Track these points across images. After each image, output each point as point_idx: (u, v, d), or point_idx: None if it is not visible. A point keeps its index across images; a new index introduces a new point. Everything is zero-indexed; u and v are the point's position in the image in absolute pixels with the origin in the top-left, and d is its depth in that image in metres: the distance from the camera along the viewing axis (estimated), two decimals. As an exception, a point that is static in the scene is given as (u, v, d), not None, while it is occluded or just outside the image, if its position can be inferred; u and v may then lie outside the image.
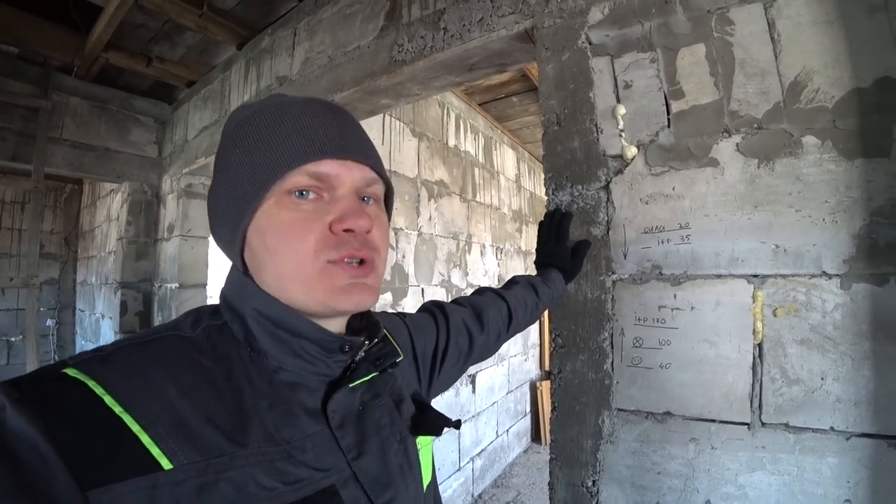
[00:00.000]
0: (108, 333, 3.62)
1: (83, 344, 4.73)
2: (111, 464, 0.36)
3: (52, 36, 2.70)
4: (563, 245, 1.20)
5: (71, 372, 0.39)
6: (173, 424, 0.40)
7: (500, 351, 4.48)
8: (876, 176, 0.96)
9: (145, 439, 0.38)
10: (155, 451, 0.38)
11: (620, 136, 1.18)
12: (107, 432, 0.37)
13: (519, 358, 4.99)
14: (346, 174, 0.52)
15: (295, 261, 0.49)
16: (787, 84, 1.03)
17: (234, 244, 0.52)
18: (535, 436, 5.30)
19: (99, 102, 3.18)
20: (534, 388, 5.31)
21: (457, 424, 0.64)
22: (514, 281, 1.13)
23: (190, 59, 2.95)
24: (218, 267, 3.16)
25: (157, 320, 3.20)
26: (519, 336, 5.00)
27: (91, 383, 0.39)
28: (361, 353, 0.56)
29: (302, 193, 0.50)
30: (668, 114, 1.13)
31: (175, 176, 3.16)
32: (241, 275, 0.53)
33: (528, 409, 5.25)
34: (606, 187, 1.20)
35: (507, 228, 4.81)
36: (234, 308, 0.53)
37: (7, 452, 0.33)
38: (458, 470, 3.67)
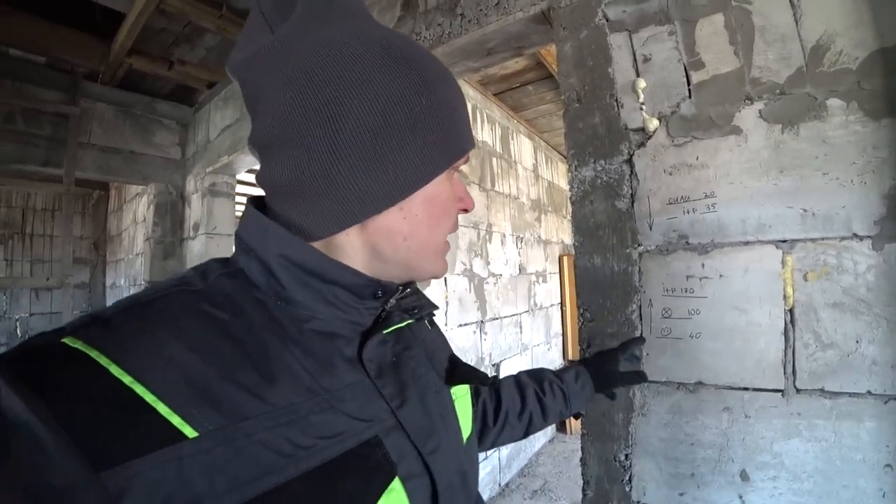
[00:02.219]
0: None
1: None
2: (128, 440, 0.32)
3: (77, 43, 2.80)
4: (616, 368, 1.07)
5: (69, 341, 0.35)
6: (192, 389, 0.36)
7: (523, 340, 4.51)
8: (905, 135, 0.96)
9: (162, 409, 0.34)
10: (175, 420, 0.34)
11: (641, 109, 1.19)
12: (118, 406, 0.33)
13: (542, 347, 4.99)
14: None
15: (439, 234, 0.52)
16: (808, 48, 1.03)
17: (380, 198, 0.46)
18: (561, 426, 5.30)
19: (124, 107, 3.30)
20: None
21: (493, 381, 0.65)
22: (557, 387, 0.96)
23: (210, 60, 3.03)
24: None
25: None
26: (541, 325, 4.99)
27: (94, 353, 0.34)
28: (393, 301, 0.53)
29: (454, 171, 0.53)
30: (689, 85, 1.14)
31: (199, 175, 3.25)
32: (260, 216, 0.48)
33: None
34: (629, 160, 1.21)
35: (527, 218, 4.81)
36: (255, 252, 0.47)
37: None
38: (485, 459, 3.70)
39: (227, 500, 0.35)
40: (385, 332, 0.52)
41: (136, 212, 4.33)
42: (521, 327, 4.43)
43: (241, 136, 2.79)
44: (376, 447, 0.45)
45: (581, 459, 1.24)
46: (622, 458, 1.19)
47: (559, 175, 5.85)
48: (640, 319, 1.18)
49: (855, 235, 0.98)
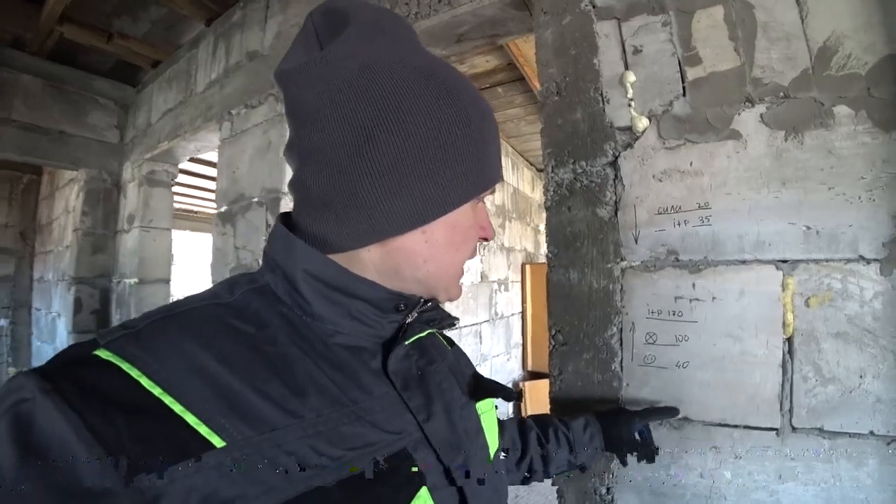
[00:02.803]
0: (63, 334, 3.37)
1: (38, 345, 4.42)
2: (157, 450, 0.33)
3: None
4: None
5: (103, 354, 0.36)
6: (220, 400, 0.37)
7: (482, 350, 4.36)
8: (917, 149, 0.86)
9: (191, 419, 0.35)
10: (204, 430, 0.35)
11: (629, 105, 1.06)
12: (149, 418, 0.34)
13: (501, 358, 4.87)
14: None
15: (458, 260, 0.53)
16: (815, 49, 0.93)
17: (403, 220, 0.47)
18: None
19: (54, 82, 2.95)
20: (517, 389, 5.21)
21: (517, 396, 0.64)
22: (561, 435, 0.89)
23: (155, 36, 2.75)
24: (183, 263, 2.95)
25: (115, 319, 2.97)
26: (502, 335, 4.87)
27: (125, 366, 0.36)
28: (414, 314, 0.54)
29: (478, 201, 0.54)
30: (684, 81, 1.02)
31: (137, 163, 2.95)
32: (287, 233, 0.49)
33: (511, 412, 5.15)
34: (614, 163, 1.07)
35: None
36: (281, 269, 0.48)
37: (35, 452, 0.31)
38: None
39: None
40: (407, 342, 0.52)
41: (69, 199, 3.92)
42: (480, 337, 4.29)
43: (182, 122, 2.51)
44: (406, 459, 0.45)
45: (558, 491, 1.09)
46: (603, 491, 1.04)
47: (525, 181, 5.77)
48: (621, 345, 1.05)
49: (861, 258, 0.88)
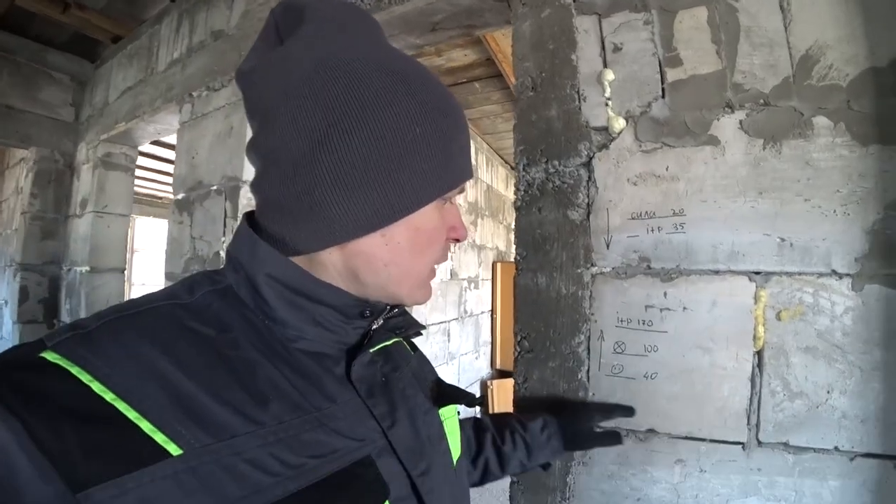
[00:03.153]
0: (8, 324, 3.15)
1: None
2: (108, 459, 0.31)
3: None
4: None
5: (50, 356, 0.34)
6: (177, 406, 0.35)
7: (450, 349, 4.32)
8: (892, 165, 0.84)
9: (146, 426, 0.33)
10: (159, 438, 0.33)
11: (607, 105, 1.01)
12: (99, 424, 0.32)
13: (470, 356, 4.83)
14: None
15: (423, 263, 0.50)
16: (797, 57, 0.90)
17: (361, 222, 0.45)
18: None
19: (3, 52, 2.73)
20: (484, 387, 5.16)
21: (480, 401, 0.60)
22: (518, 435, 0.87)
23: (115, 9, 2.57)
24: (143, 251, 2.79)
25: (65, 308, 2.79)
26: (470, 333, 4.83)
27: (74, 369, 0.33)
28: (380, 321, 0.53)
29: (445, 202, 0.51)
30: (663, 83, 0.98)
31: (92, 143, 2.76)
32: (251, 234, 0.47)
33: (479, 410, 5.13)
34: (588, 164, 1.03)
35: (462, 221, 4.64)
36: (245, 271, 0.46)
37: None
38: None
39: None
40: (372, 350, 0.51)
41: (19, 180, 3.68)
42: (448, 335, 4.23)
43: (142, 101, 2.36)
44: (369, 467, 0.45)
45: (511, 507, 1.05)
46: (559, 510, 1.00)
47: (499, 179, 5.74)
48: (588, 354, 1.00)
49: (834, 272, 0.86)
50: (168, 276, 2.01)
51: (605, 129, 1.02)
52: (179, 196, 2.00)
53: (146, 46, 2.44)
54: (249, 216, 0.51)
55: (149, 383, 0.35)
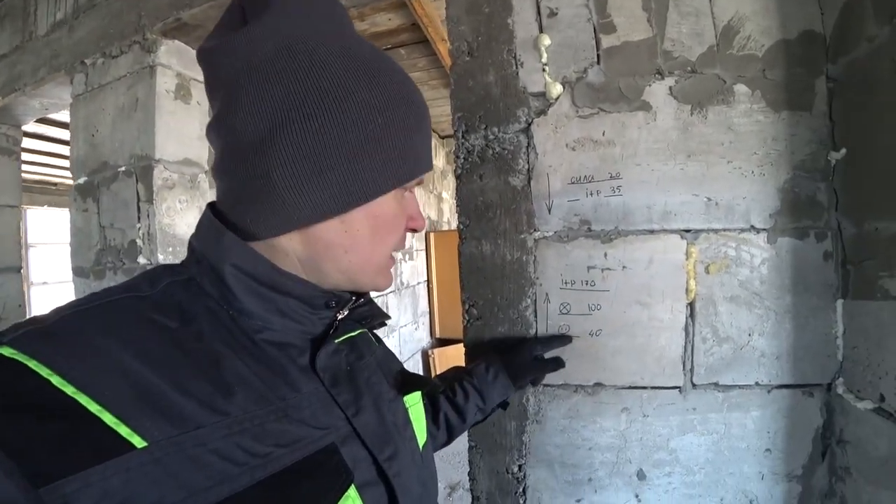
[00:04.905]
0: None
1: None
2: (71, 453, 0.29)
3: None
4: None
5: (6, 352, 0.32)
6: (139, 398, 0.33)
7: (390, 322, 4.25)
8: (799, 129, 0.90)
9: (108, 419, 0.31)
10: (123, 431, 0.31)
11: (544, 70, 0.98)
12: (59, 419, 0.30)
13: (409, 327, 4.78)
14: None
15: (382, 251, 0.49)
16: (720, 27, 0.92)
17: (319, 208, 0.43)
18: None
19: None
20: (426, 357, 5.15)
21: (442, 388, 0.65)
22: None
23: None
24: (40, 246, 2.42)
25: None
26: (408, 305, 4.78)
27: (32, 364, 0.31)
28: (345, 312, 0.52)
29: (405, 191, 0.51)
30: (598, 49, 0.96)
31: (-39, 122, 2.30)
32: (216, 224, 0.45)
33: (421, 373, 5.14)
34: (527, 130, 1.00)
35: (391, 194, 4.51)
36: (208, 262, 0.45)
37: None
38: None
39: None
40: (337, 341, 0.50)
41: None
42: (387, 308, 4.17)
43: (20, 72, 1.97)
44: (333, 454, 0.44)
45: (469, 474, 1.04)
46: (515, 469, 1.01)
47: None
48: (536, 316, 1.00)
49: (753, 228, 0.91)
50: (77, 270, 1.75)
51: (542, 95, 0.99)
52: (81, 180, 1.73)
53: (20, 7, 2.03)
54: (212, 206, 0.48)
55: (110, 376, 0.33)
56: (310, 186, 0.42)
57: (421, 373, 4.96)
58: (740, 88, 0.90)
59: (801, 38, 0.90)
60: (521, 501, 1.00)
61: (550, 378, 0.97)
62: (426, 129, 0.50)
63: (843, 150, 0.86)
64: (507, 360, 0.88)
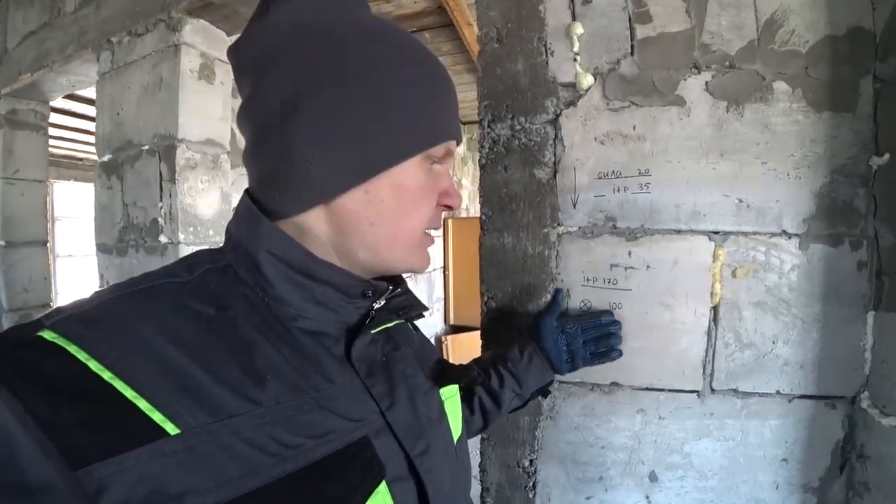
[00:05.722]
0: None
1: None
2: (106, 437, 0.29)
3: None
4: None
5: (47, 335, 0.32)
6: (175, 385, 0.33)
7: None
8: (841, 132, 0.84)
9: (143, 405, 0.31)
10: (157, 417, 0.31)
11: (575, 60, 0.94)
12: (97, 403, 0.30)
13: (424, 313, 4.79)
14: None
15: (410, 225, 0.47)
16: (762, 20, 0.86)
17: (340, 177, 0.43)
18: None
19: None
20: (439, 343, 5.11)
21: (483, 379, 0.62)
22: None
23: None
24: (67, 219, 2.45)
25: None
26: (423, 290, 4.75)
27: (72, 348, 0.31)
28: (381, 301, 0.50)
29: (433, 163, 0.48)
30: (633, 39, 0.91)
31: (-7, 96, 2.31)
32: (253, 210, 0.45)
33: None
34: (555, 121, 0.96)
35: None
36: (244, 249, 0.44)
37: None
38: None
39: (211, 499, 0.32)
40: (373, 331, 0.49)
41: None
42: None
43: (49, 49, 1.97)
44: (365, 447, 0.42)
45: (479, 465, 1.03)
46: (526, 463, 0.99)
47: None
48: (556, 311, 0.97)
49: (784, 232, 0.86)
50: (100, 247, 1.76)
51: (572, 86, 0.94)
52: (105, 158, 1.72)
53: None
54: (249, 193, 0.48)
55: (146, 362, 0.33)
56: (329, 156, 0.42)
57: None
58: (780, 86, 0.85)
59: (850, 34, 0.84)
60: (531, 496, 0.99)
61: (567, 376, 0.94)
62: (448, 97, 0.49)
63: (887, 156, 0.81)
64: (538, 340, 0.82)
